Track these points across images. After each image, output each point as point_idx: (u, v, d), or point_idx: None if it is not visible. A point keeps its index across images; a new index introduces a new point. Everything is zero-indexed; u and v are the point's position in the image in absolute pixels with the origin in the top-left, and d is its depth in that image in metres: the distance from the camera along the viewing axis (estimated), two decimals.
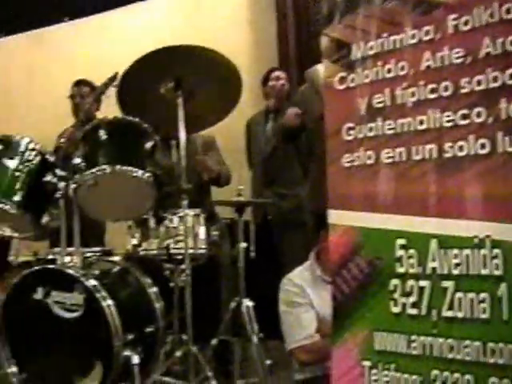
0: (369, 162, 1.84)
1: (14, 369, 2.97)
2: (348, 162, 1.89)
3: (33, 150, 3.09)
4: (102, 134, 3.00)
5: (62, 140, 4.11)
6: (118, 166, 2.91)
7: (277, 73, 4.57)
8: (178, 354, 3.03)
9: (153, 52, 3.09)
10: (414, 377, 1.73)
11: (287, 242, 4.22)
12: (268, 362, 3.24)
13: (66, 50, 6.52)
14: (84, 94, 4.49)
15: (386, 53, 1.82)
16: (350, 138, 1.89)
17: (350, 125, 1.89)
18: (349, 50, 1.90)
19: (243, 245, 3.37)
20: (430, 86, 1.72)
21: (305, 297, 2.85)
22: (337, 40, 1.93)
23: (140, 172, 2.94)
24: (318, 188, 3.44)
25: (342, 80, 1.92)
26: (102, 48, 6.32)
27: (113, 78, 3.39)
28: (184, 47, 3.13)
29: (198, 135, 4.00)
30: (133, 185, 3.01)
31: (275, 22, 5.66)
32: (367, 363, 1.83)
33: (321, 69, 3.03)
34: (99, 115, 4.35)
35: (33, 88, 6.58)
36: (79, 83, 4.59)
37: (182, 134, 3.10)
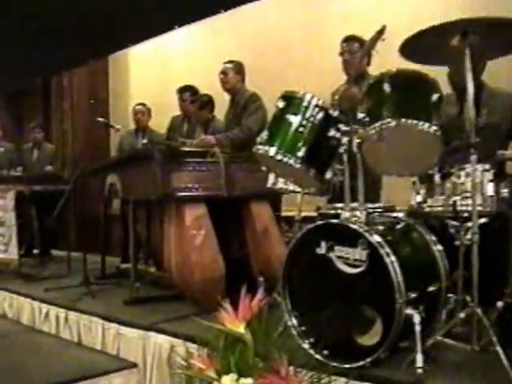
0: None
1: (294, 321, 3.12)
2: None
3: (316, 105, 3.18)
4: (386, 87, 2.98)
5: (336, 97, 4.18)
6: (403, 120, 2.87)
7: None
8: (461, 315, 2.95)
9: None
10: None
11: None
12: None
13: (340, 7, 6.60)
14: (353, 50, 4.52)
15: None
16: None
17: None
18: None
19: None
20: None
21: None
22: None
23: (426, 125, 2.87)
24: None
25: None
26: (375, 4, 6.29)
27: (380, 32, 3.35)
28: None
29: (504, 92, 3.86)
30: (419, 138, 2.95)
31: None
32: None
33: None
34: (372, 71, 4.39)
35: (309, 45, 6.77)
36: (348, 39, 4.63)
37: (470, 86, 2.98)
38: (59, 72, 9.01)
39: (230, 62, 5.55)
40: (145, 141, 6.84)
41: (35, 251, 7.33)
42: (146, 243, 5.40)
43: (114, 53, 8.00)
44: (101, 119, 6.75)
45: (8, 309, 5.64)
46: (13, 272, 6.58)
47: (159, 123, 6.74)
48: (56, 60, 7.94)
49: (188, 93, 6.42)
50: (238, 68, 5.52)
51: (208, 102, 5.97)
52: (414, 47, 3.03)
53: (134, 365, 3.87)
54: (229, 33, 7.81)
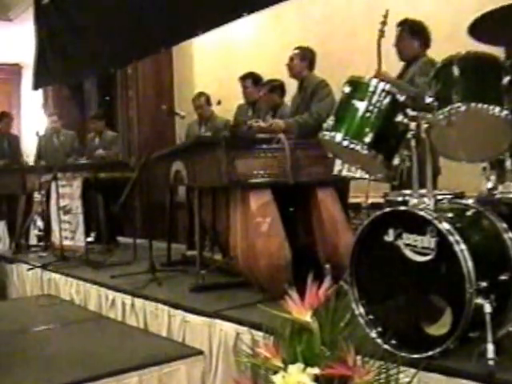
0: None
1: (361, 310, 3.11)
2: None
3: (382, 90, 3.18)
4: (455, 71, 2.96)
5: None
6: (473, 104, 2.85)
7: None
8: None
9: None
10: None
11: None
12: None
13: None
14: (401, 35, 4.55)
15: None
16: None
17: None
18: None
19: None
20: None
21: None
22: None
23: (497, 109, 2.83)
24: None
25: None
26: None
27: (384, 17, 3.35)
28: None
29: None
30: (489, 123, 2.92)
31: None
32: None
33: None
34: None
35: (375, 30, 6.67)
36: (398, 25, 4.64)
37: None
38: (132, 61, 9.12)
39: (298, 48, 5.58)
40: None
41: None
42: (211, 230, 5.48)
43: (185, 41, 8.04)
44: (165, 107, 6.86)
45: (75, 295, 5.83)
46: (80, 259, 6.77)
47: (224, 111, 6.79)
48: (132, 48, 8.08)
49: (250, 80, 6.47)
50: (304, 54, 5.54)
51: (278, 87, 6.01)
52: (482, 27, 3.00)
53: (200, 352, 3.92)
54: (293, 19, 7.78)
